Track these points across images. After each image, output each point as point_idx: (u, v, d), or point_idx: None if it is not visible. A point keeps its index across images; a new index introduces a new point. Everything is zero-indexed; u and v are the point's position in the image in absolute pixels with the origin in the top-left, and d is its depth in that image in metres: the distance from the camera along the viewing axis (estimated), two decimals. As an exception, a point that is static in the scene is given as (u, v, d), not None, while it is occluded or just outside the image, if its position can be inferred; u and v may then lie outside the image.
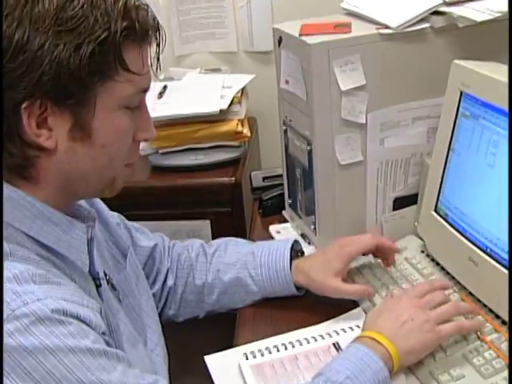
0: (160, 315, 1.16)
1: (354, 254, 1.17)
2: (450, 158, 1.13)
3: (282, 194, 1.48)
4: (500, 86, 0.98)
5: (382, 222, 1.31)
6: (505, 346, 0.97)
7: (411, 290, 1.06)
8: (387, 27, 1.18)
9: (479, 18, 1.13)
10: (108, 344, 0.81)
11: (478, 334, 1.00)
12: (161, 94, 1.71)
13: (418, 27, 1.18)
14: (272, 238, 1.42)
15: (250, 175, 1.65)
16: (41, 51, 0.76)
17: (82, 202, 0.98)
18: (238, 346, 1.09)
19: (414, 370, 0.98)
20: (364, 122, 1.22)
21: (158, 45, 0.87)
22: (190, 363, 1.19)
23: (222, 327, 1.22)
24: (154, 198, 1.60)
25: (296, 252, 1.22)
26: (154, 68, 0.89)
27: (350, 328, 1.08)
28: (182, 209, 1.59)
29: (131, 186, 1.49)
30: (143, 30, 0.83)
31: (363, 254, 1.20)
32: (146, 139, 0.92)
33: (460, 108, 1.10)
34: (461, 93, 1.09)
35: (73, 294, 0.79)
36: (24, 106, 0.77)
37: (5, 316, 0.71)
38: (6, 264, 0.76)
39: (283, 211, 1.49)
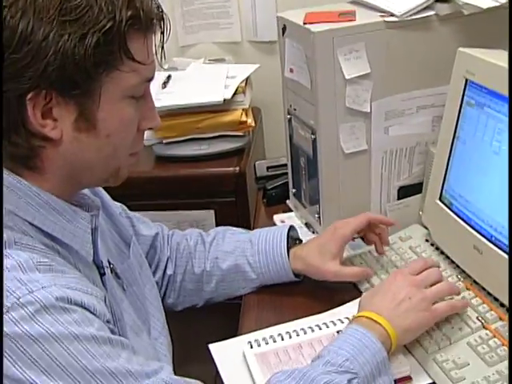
0: None
1: (348, 234, 1.17)
2: (454, 146, 1.12)
3: (287, 183, 1.48)
4: (505, 74, 0.98)
5: (386, 211, 1.31)
6: (509, 334, 0.97)
7: (406, 268, 1.07)
8: (392, 15, 1.18)
9: (485, 4, 1.12)
10: (112, 332, 0.81)
11: (483, 322, 1.00)
12: (165, 84, 1.71)
13: (423, 15, 1.18)
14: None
15: (255, 165, 1.65)
16: (45, 42, 0.75)
17: (86, 191, 0.99)
18: (242, 334, 1.10)
19: (418, 357, 0.98)
20: (368, 110, 1.21)
21: (163, 33, 0.87)
22: (194, 352, 1.20)
23: (226, 316, 1.22)
24: (159, 188, 1.60)
25: (294, 240, 1.23)
26: (159, 57, 0.89)
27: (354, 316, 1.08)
28: (187, 199, 1.59)
29: (135, 176, 1.49)
30: (148, 19, 0.83)
31: (358, 234, 1.21)
32: (150, 128, 0.92)
33: (465, 96, 1.09)
34: (466, 81, 1.09)
35: (77, 282, 0.80)
36: (29, 96, 0.77)
37: (9, 304, 0.72)
38: (10, 252, 0.76)
39: (287, 201, 1.49)
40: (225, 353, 1.05)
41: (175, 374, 0.88)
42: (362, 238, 1.23)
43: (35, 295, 0.73)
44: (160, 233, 1.23)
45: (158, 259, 1.22)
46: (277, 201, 1.52)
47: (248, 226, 1.49)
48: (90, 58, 0.77)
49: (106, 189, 1.10)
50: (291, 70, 1.28)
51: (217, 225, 1.56)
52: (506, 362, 0.92)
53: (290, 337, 1.05)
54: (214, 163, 1.59)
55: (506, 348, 0.94)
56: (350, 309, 1.10)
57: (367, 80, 1.19)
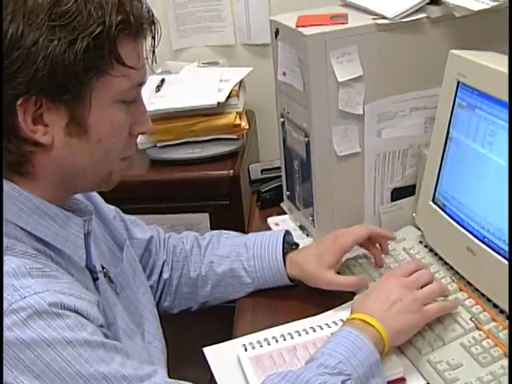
0: (156, 307, 1.16)
1: (348, 246, 1.17)
2: (447, 148, 1.13)
3: (280, 186, 1.48)
4: (497, 76, 0.98)
5: (380, 213, 1.31)
6: (502, 334, 0.97)
7: (397, 269, 1.08)
8: (384, 18, 1.18)
9: (476, 7, 1.13)
10: (106, 336, 0.81)
11: (476, 323, 1.00)
12: (158, 88, 1.71)
13: (415, 17, 1.18)
14: (270, 230, 1.42)
15: (249, 168, 1.65)
16: (35, 47, 0.75)
17: (79, 196, 0.98)
18: (236, 337, 1.10)
19: (412, 359, 0.99)
20: (361, 113, 1.22)
21: (154, 38, 0.87)
22: (189, 355, 1.20)
23: (220, 320, 1.22)
24: (153, 192, 1.60)
25: (290, 244, 1.22)
26: (150, 61, 0.89)
27: (349, 319, 1.08)
28: (181, 202, 1.59)
29: (130, 180, 1.51)
30: (138, 24, 0.83)
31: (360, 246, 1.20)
32: (142, 133, 0.92)
33: (457, 98, 1.10)
34: (458, 83, 1.09)
35: (70, 287, 0.80)
36: (19, 102, 0.77)
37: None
38: (3, 258, 0.76)
39: (281, 203, 1.49)
40: (219, 356, 1.05)
41: (169, 377, 0.89)
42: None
43: (28, 301, 0.73)
44: (155, 236, 1.23)
45: (152, 263, 1.22)
46: (271, 204, 1.52)
47: (242, 228, 1.49)
48: (80, 62, 0.77)
49: (100, 192, 1.10)
50: (284, 74, 1.29)
51: (211, 228, 1.57)
52: (499, 363, 0.93)
53: (285, 339, 1.06)
54: (208, 166, 1.59)
55: (499, 349, 0.95)
56: (344, 311, 1.10)
57: (360, 83, 1.20)
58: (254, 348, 1.04)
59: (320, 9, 1.29)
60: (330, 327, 1.07)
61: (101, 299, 0.90)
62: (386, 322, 0.95)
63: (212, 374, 1.03)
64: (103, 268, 0.98)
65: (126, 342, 0.93)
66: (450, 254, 1.14)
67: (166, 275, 1.22)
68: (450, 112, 1.11)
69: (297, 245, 1.24)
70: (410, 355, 0.99)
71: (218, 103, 1.60)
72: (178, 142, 1.64)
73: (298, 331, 1.07)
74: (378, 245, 1.21)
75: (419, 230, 1.25)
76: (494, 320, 1.01)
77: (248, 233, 1.34)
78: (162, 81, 1.75)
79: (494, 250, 1.00)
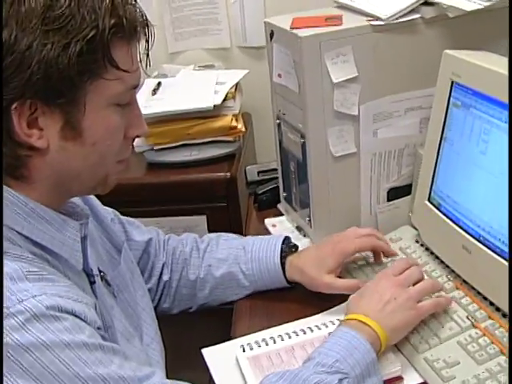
0: (155, 308, 1.16)
1: (350, 253, 1.17)
2: (442, 147, 1.13)
3: (277, 187, 1.48)
4: (491, 75, 0.99)
5: (376, 213, 1.32)
6: (499, 332, 0.97)
7: (388, 268, 1.08)
8: (378, 19, 1.19)
9: (469, 7, 1.13)
10: (103, 339, 0.81)
11: (473, 321, 1.01)
12: (155, 91, 1.71)
13: (409, 18, 1.19)
14: (268, 231, 1.43)
15: (245, 170, 1.66)
16: (29, 51, 0.76)
17: (76, 199, 0.99)
18: (234, 338, 1.10)
19: (409, 357, 0.99)
20: (357, 113, 1.22)
21: (148, 41, 0.87)
22: (187, 357, 1.20)
23: (218, 321, 1.22)
24: (150, 195, 1.60)
25: (290, 247, 1.22)
26: (144, 64, 0.89)
27: (346, 318, 1.09)
28: (178, 205, 1.60)
29: (127, 183, 1.51)
30: (131, 27, 0.83)
31: None
32: (137, 136, 0.92)
33: (451, 98, 1.10)
34: (452, 83, 1.10)
35: (67, 290, 0.80)
36: (14, 106, 0.77)
37: None
38: None
39: (278, 205, 1.50)
40: (218, 357, 1.06)
41: (168, 379, 0.89)
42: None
43: (25, 304, 0.73)
44: (154, 238, 1.23)
45: (151, 265, 1.22)
46: (268, 205, 1.53)
47: (240, 230, 1.49)
48: (74, 66, 0.77)
49: (97, 196, 1.10)
50: (279, 75, 1.29)
51: (209, 230, 1.57)
52: (495, 360, 0.93)
53: (282, 339, 1.06)
54: (205, 169, 1.60)
55: (496, 346, 0.95)
56: (341, 311, 1.10)
57: (355, 83, 1.20)
58: (252, 349, 1.05)
59: (314, 11, 1.29)
60: (327, 327, 1.08)
61: (98, 302, 0.90)
62: (381, 321, 0.96)
63: (211, 375, 1.03)
64: (100, 271, 0.98)
65: (123, 344, 0.93)
66: (446, 253, 1.14)
67: (165, 277, 1.22)
68: (445, 112, 1.12)
69: (296, 247, 1.24)
70: (407, 353, 1.00)
71: (215, 106, 1.60)
72: (174, 144, 1.64)
73: (295, 331, 1.07)
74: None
75: (415, 229, 1.25)
76: (490, 318, 1.01)
77: (246, 234, 1.35)
78: (159, 84, 1.75)
79: (489, 248, 1.01)
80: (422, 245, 1.22)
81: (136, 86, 0.87)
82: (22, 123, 0.79)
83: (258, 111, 1.96)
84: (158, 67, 1.88)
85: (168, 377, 1.00)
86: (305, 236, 1.37)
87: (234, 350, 1.05)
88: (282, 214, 1.48)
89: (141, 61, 0.88)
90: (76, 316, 0.77)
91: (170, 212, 1.60)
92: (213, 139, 1.64)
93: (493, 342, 0.96)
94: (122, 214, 1.22)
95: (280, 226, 1.43)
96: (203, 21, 1.98)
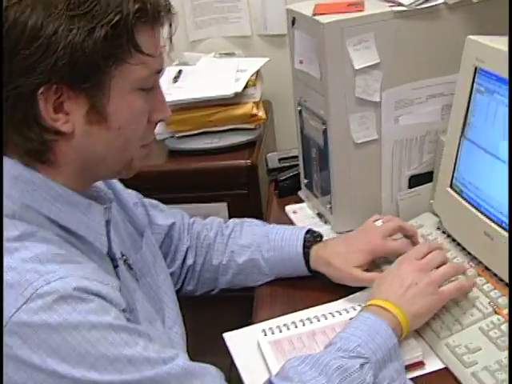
0: (179, 291, 1.18)
1: (380, 254, 1.16)
2: (465, 133, 1.13)
3: (298, 174, 1.49)
4: (514, 61, 0.98)
5: (397, 200, 1.31)
6: (521, 318, 0.97)
7: (410, 252, 1.08)
8: (400, 4, 1.18)
9: (493, -8, 1.13)
10: (128, 321, 0.82)
11: (495, 307, 1.01)
12: (176, 79, 1.72)
13: (432, 3, 1.18)
14: (288, 218, 1.43)
15: (266, 157, 1.66)
16: (55, 37, 0.77)
17: (99, 184, 1.00)
18: (256, 323, 1.11)
19: (430, 342, 0.99)
20: (378, 100, 1.22)
21: (171, 26, 0.88)
22: (208, 342, 1.21)
23: (239, 308, 1.23)
24: (171, 182, 1.62)
25: (314, 237, 1.22)
26: (167, 49, 0.89)
27: (367, 304, 1.09)
28: (199, 192, 1.61)
29: (148, 170, 1.52)
30: (155, 12, 0.84)
31: None
32: (161, 120, 0.93)
33: (475, 84, 1.10)
34: (475, 68, 1.09)
35: (93, 272, 0.81)
36: (40, 91, 0.79)
37: (28, 294, 0.73)
38: (28, 244, 0.78)
39: (299, 191, 1.50)
40: (239, 341, 1.07)
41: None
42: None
43: (53, 285, 0.74)
44: (179, 221, 1.24)
45: (174, 249, 1.23)
46: (289, 192, 1.53)
47: (260, 217, 1.49)
48: (99, 51, 0.78)
49: (120, 180, 1.12)
50: (301, 62, 1.29)
51: (230, 217, 1.56)
52: (518, 346, 0.93)
53: (304, 325, 1.07)
54: (226, 156, 1.61)
55: (518, 332, 0.95)
56: (362, 297, 1.11)
57: (377, 70, 1.20)
58: (273, 333, 1.05)
59: (336, -3, 1.29)
60: (348, 313, 1.08)
61: (121, 285, 0.91)
62: (402, 307, 0.96)
63: (232, 360, 1.04)
64: (123, 255, 0.99)
65: (146, 327, 0.94)
66: (468, 240, 1.14)
67: (190, 261, 1.23)
68: (468, 98, 1.11)
69: (321, 237, 1.23)
70: (429, 339, 1.00)
71: (236, 93, 1.61)
72: (195, 132, 1.65)
73: (316, 317, 1.08)
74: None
75: (437, 216, 1.25)
76: (512, 304, 1.01)
77: (266, 221, 1.35)
78: (179, 72, 1.76)
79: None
80: (443, 232, 1.22)
81: (160, 71, 0.88)
82: (49, 108, 0.80)
83: (279, 99, 1.96)
84: (179, 55, 1.89)
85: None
86: (325, 223, 1.37)
87: (255, 334, 1.06)
88: (302, 201, 1.48)
89: (164, 46, 0.88)
90: (102, 298, 0.78)
91: (190, 199, 1.61)
92: (234, 127, 1.65)
93: (515, 328, 0.96)
94: (144, 199, 1.23)
95: (301, 212, 1.44)
96: (224, 9, 1.98)
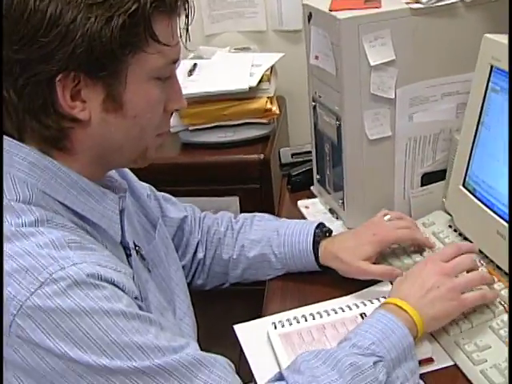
0: (189, 285, 1.18)
1: (386, 244, 1.16)
2: (479, 132, 1.13)
3: (311, 169, 1.49)
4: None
5: (409, 198, 1.31)
6: (532, 317, 0.97)
7: (437, 254, 1.06)
8: (417, 2, 1.18)
9: (511, -9, 1.12)
10: (140, 309, 0.83)
11: (505, 306, 1.01)
12: (191, 72, 1.73)
13: (449, 1, 1.18)
14: (300, 213, 1.43)
15: (279, 152, 1.66)
16: (73, 25, 0.77)
17: (114, 174, 1.01)
18: (266, 316, 1.11)
19: (439, 339, 0.99)
20: (393, 97, 1.22)
21: (187, 16, 0.88)
22: (218, 334, 1.22)
23: (250, 302, 1.24)
24: (184, 175, 1.63)
25: (324, 232, 1.22)
26: (184, 39, 0.90)
27: (377, 299, 1.09)
28: (211, 185, 1.62)
29: (161, 163, 1.53)
30: (172, 1, 0.84)
31: None
32: (176, 109, 0.94)
33: (490, 82, 1.10)
34: (491, 67, 1.09)
35: (106, 259, 0.82)
36: (58, 78, 0.79)
37: (43, 279, 0.74)
38: (43, 230, 0.79)
39: (311, 187, 1.50)
40: (249, 333, 1.07)
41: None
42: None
43: (67, 271, 0.75)
44: (190, 215, 1.25)
45: (186, 242, 1.24)
46: (301, 187, 1.53)
47: (272, 212, 1.49)
48: (116, 39, 0.79)
49: (133, 171, 1.12)
50: (316, 57, 1.29)
51: (241, 211, 1.58)
52: (527, 345, 0.93)
53: (314, 318, 1.07)
54: (239, 150, 1.61)
55: (528, 331, 0.95)
56: (373, 292, 1.12)
57: (392, 67, 1.20)
58: (283, 326, 1.06)
59: (353, -7, 1.29)
60: (358, 307, 1.08)
61: (134, 274, 0.92)
62: (420, 309, 0.95)
63: (242, 351, 1.05)
64: (135, 246, 1.00)
65: (157, 317, 0.95)
66: (480, 238, 1.14)
67: (200, 255, 1.24)
68: (483, 96, 1.11)
69: (330, 232, 1.24)
70: (439, 336, 1.00)
71: (250, 88, 1.61)
72: (209, 125, 1.66)
73: (326, 310, 1.08)
74: None
75: (449, 214, 1.25)
76: (523, 303, 1.01)
77: (278, 216, 1.36)
78: (194, 65, 1.77)
79: (524, 233, 1.01)
80: (455, 230, 1.22)
81: (176, 61, 0.88)
82: (66, 95, 0.81)
83: (292, 95, 1.97)
84: (194, 49, 1.90)
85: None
86: (337, 219, 1.37)
87: (265, 326, 1.07)
88: (314, 196, 1.48)
89: (181, 36, 0.89)
90: (115, 285, 0.79)
91: (202, 192, 1.62)
92: (247, 121, 1.66)
93: (525, 327, 0.96)
94: (157, 192, 1.23)
95: (313, 207, 1.44)
96: (240, 3, 1.99)
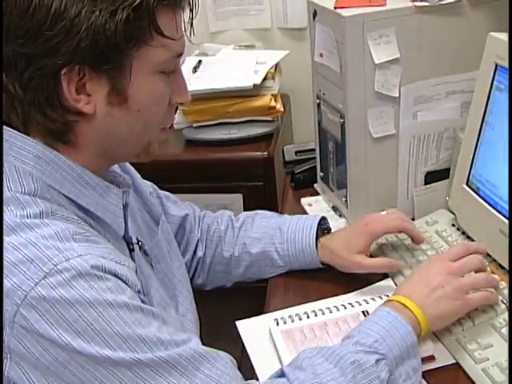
0: None
1: (377, 233, 1.17)
2: (483, 131, 1.13)
3: (314, 167, 1.49)
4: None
5: (413, 196, 1.31)
6: (534, 316, 0.97)
7: (445, 252, 1.05)
8: (423, 0, 1.18)
9: (517, -11, 1.12)
10: (143, 302, 0.83)
11: (507, 305, 1.01)
12: (195, 69, 1.73)
13: (454, 0, 1.18)
14: (304, 210, 1.44)
15: (283, 149, 1.67)
16: (78, 18, 0.78)
17: (118, 169, 1.01)
18: (268, 313, 1.11)
19: (441, 337, 0.99)
20: (397, 95, 1.22)
21: (192, 10, 0.88)
22: (219, 331, 1.22)
23: (252, 298, 1.24)
24: (188, 171, 1.62)
25: (322, 230, 1.23)
26: (188, 33, 0.90)
27: (380, 297, 1.09)
28: (215, 182, 1.61)
29: (165, 159, 1.53)
30: None
31: None
32: (181, 103, 0.94)
33: (494, 81, 1.09)
34: (496, 66, 1.09)
35: (110, 252, 0.82)
36: (63, 72, 0.80)
37: (47, 270, 0.74)
38: (48, 222, 0.79)
39: (315, 184, 1.50)
40: (251, 329, 1.07)
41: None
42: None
43: (71, 262, 0.75)
44: (190, 214, 1.25)
45: (186, 240, 1.24)
46: (304, 184, 1.53)
47: (276, 209, 1.50)
48: (121, 33, 0.79)
49: (137, 168, 1.13)
50: (321, 55, 1.29)
51: (245, 208, 1.59)
52: (529, 344, 0.93)
53: (316, 315, 1.07)
54: (243, 147, 1.61)
55: (531, 330, 0.95)
56: (376, 290, 1.12)
57: (396, 65, 1.20)
58: (285, 322, 1.06)
59: (359, -9, 1.29)
60: (360, 305, 1.08)
61: (137, 269, 0.92)
62: (424, 307, 0.94)
63: (243, 347, 1.05)
64: (139, 241, 1.00)
65: (160, 312, 0.95)
66: (483, 237, 1.13)
67: (200, 253, 1.24)
68: (487, 95, 1.11)
69: (329, 230, 1.25)
70: (440, 334, 1.00)
71: (254, 85, 1.61)
72: (213, 122, 1.66)
73: (329, 308, 1.08)
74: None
75: (452, 213, 1.25)
76: (525, 302, 1.01)
77: (281, 213, 1.36)
78: (199, 62, 1.77)
79: (527, 232, 1.00)
80: (458, 229, 1.22)
81: (181, 54, 0.89)
82: (71, 88, 0.81)
83: (296, 93, 1.97)
84: (199, 46, 1.90)
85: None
86: (340, 216, 1.37)
87: (267, 323, 1.07)
88: (318, 194, 1.48)
89: (185, 30, 0.89)
90: (118, 277, 0.79)
91: (206, 189, 1.62)
92: (251, 118, 1.65)
93: (527, 326, 0.96)
94: (160, 189, 1.23)
95: (316, 205, 1.44)
96: (245, 1, 1.98)
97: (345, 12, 1.17)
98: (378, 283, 1.14)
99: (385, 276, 1.16)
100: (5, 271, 0.74)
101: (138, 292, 0.84)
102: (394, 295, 0.99)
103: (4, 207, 0.79)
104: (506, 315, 0.99)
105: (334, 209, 1.40)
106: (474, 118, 1.14)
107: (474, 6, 1.19)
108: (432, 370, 0.95)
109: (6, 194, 0.80)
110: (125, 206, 0.94)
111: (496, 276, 1.05)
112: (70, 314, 0.74)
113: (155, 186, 1.22)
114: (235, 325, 1.09)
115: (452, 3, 1.18)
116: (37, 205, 0.80)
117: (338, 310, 1.08)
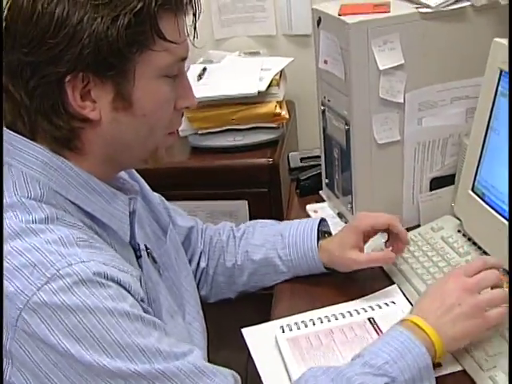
0: None
1: (365, 227, 1.17)
2: (488, 137, 1.12)
3: (320, 174, 1.49)
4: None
5: (418, 202, 1.31)
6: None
7: (461, 267, 1.02)
8: (427, 6, 1.18)
9: (521, -5, 1.12)
10: (146, 311, 0.83)
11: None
12: (200, 76, 1.73)
13: (459, 5, 1.18)
14: (309, 217, 1.43)
15: (288, 156, 1.67)
16: (80, 25, 0.78)
17: (126, 176, 1.01)
18: (274, 320, 1.11)
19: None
20: (402, 101, 1.22)
21: (195, 15, 0.89)
22: (226, 338, 1.22)
23: (258, 306, 1.23)
24: (193, 178, 1.63)
25: (323, 233, 1.23)
26: (192, 38, 0.90)
27: (386, 304, 1.09)
28: (220, 189, 1.61)
29: (171, 166, 1.54)
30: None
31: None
32: (186, 107, 0.94)
33: (499, 87, 1.09)
34: (500, 71, 1.09)
35: (113, 259, 0.82)
36: (67, 79, 0.80)
37: (49, 275, 0.74)
38: (52, 227, 0.79)
39: (320, 191, 1.50)
40: (257, 337, 1.07)
41: (209, 359, 0.90)
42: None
43: (74, 268, 0.75)
44: (195, 226, 1.25)
45: (192, 251, 1.24)
46: (310, 191, 1.53)
47: (281, 216, 1.50)
48: (123, 38, 0.79)
49: (142, 176, 1.13)
50: (325, 62, 1.29)
51: (250, 215, 1.59)
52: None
53: (322, 322, 1.07)
54: (248, 154, 1.61)
55: (538, 337, 0.94)
56: (381, 297, 1.12)
57: (401, 71, 1.20)
58: (291, 330, 1.06)
59: (362, -3, 1.29)
60: (366, 311, 1.08)
61: (143, 276, 0.92)
62: (439, 328, 0.90)
63: (249, 355, 1.05)
64: (147, 248, 1.00)
65: (168, 320, 0.95)
66: (489, 243, 1.13)
67: (203, 264, 1.24)
68: (492, 101, 1.11)
69: (329, 233, 1.25)
70: (447, 341, 0.99)
71: (259, 92, 1.61)
72: (218, 129, 1.66)
73: (334, 315, 1.08)
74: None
75: (458, 219, 1.25)
76: (532, 308, 1.00)
77: (287, 220, 1.36)
78: (204, 69, 1.77)
79: (533, 238, 1.00)
80: (464, 235, 1.22)
81: (184, 58, 0.89)
82: (76, 96, 0.81)
83: (301, 99, 1.97)
84: (204, 53, 1.90)
85: (208, 356, 1.02)
86: (346, 223, 1.37)
87: (273, 330, 1.07)
88: (323, 201, 1.48)
89: (188, 34, 0.89)
90: (120, 285, 0.79)
91: (211, 196, 1.62)
92: (256, 125, 1.66)
93: (535, 333, 0.95)
94: (165, 196, 1.23)
95: (321, 212, 1.44)
96: (249, 8, 1.99)
97: (349, 19, 1.17)
98: (383, 289, 1.14)
99: (390, 282, 1.16)
100: (8, 275, 0.75)
101: (142, 301, 0.83)
102: (410, 314, 0.95)
103: (10, 212, 0.79)
104: (513, 322, 0.99)
105: (340, 215, 1.40)
106: (479, 123, 1.14)
107: (479, 11, 1.19)
108: (438, 377, 0.94)
109: (12, 198, 0.80)
110: (132, 213, 0.94)
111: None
112: (70, 320, 0.74)
113: (162, 198, 1.21)
114: (241, 332, 1.09)
115: (456, 9, 1.18)
116: (42, 210, 0.80)
117: (343, 316, 1.08)
